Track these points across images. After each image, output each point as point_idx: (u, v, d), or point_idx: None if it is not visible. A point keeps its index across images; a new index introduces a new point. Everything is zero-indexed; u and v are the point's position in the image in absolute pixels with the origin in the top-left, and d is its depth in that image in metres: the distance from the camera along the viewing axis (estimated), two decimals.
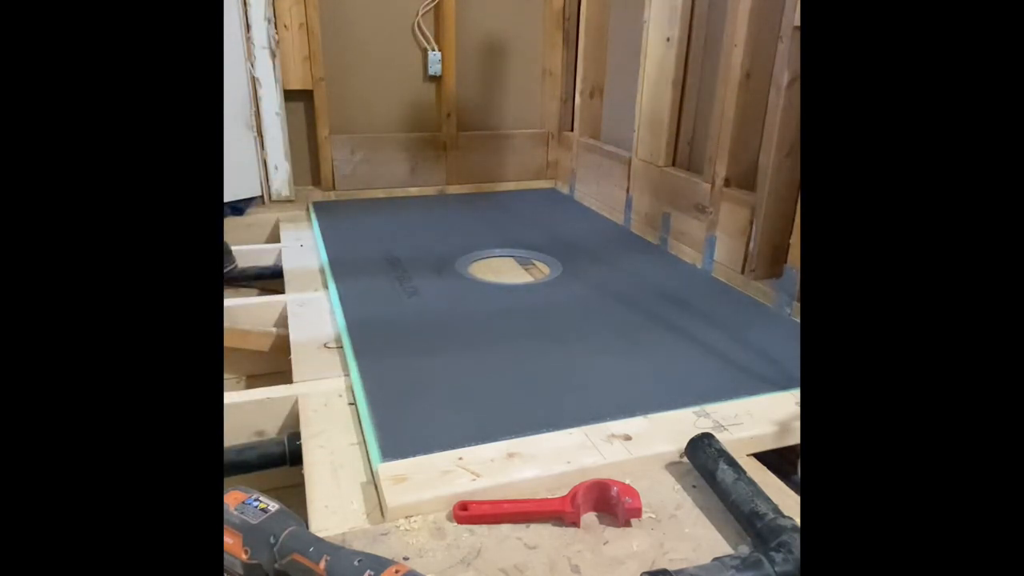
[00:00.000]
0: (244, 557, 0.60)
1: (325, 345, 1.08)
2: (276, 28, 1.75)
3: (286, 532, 0.61)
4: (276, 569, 0.60)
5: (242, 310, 1.25)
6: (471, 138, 2.11)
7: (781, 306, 1.22)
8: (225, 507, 0.63)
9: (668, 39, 1.52)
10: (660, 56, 1.55)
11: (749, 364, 1.02)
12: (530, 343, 1.10)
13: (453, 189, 2.14)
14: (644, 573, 0.60)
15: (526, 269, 1.50)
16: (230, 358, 1.25)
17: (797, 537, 0.62)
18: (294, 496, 0.78)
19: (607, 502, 0.71)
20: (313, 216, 1.78)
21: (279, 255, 1.54)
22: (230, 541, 0.61)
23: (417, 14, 1.94)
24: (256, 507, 0.63)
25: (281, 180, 1.88)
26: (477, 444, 0.80)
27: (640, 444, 0.81)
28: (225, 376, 1.27)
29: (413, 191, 2.10)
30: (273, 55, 1.74)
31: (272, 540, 0.60)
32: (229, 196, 1.74)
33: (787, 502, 0.71)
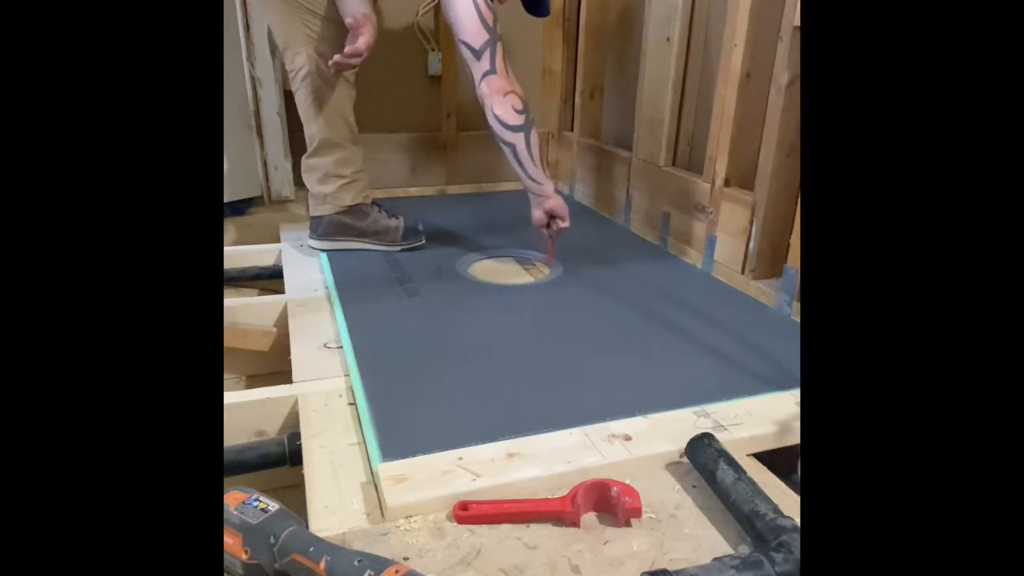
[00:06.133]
0: (244, 557, 0.61)
1: (325, 345, 1.08)
2: None
3: (286, 532, 0.61)
4: (276, 569, 0.60)
5: (242, 309, 1.25)
6: (471, 138, 2.11)
7: (781, 306, 1.22)
8: (225, 507, 0.62)
9: (668, 39, 1.52)
10: (660, 56, 1.55)
11: (749, 364, 1.02)
12: (530, 343, 1.10)
13: (453, 189, 2.14)
14: (644, 573, 0.60)
15: (526, 269, 1.50)
16: (230, 358, 1.25)
17: (797, 537, 0.62)
18: (294, 496, 0.78)
19: (607, 502, 0.71)
20: None
21: (279, 255, 1.54)
22: (230, 541, 0.61)
23: (417, 14, 1.94)
24: (256, 507, 0.63)
25: (281, 180, 1.87)
26: (477, 444, 0.80)
27: (640, 444, 0.81)
28: (225, 376, 1.27)
29: (413, 191, 2.10)
30: (273, 55, 1.74)
31: (272, 540, 0.60)
32: (229, 196, 1.74)
33: (787, 502, 0.71)
